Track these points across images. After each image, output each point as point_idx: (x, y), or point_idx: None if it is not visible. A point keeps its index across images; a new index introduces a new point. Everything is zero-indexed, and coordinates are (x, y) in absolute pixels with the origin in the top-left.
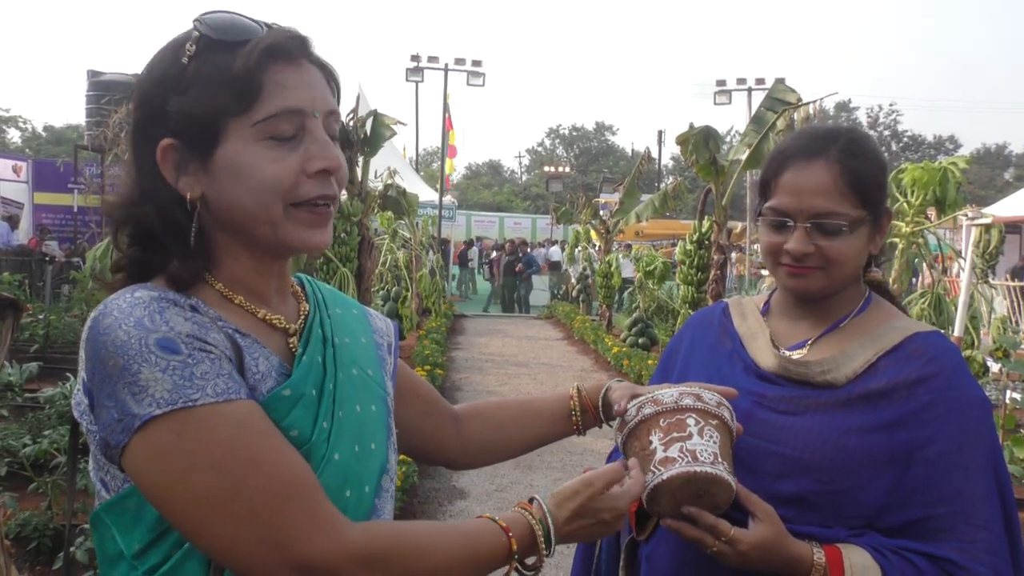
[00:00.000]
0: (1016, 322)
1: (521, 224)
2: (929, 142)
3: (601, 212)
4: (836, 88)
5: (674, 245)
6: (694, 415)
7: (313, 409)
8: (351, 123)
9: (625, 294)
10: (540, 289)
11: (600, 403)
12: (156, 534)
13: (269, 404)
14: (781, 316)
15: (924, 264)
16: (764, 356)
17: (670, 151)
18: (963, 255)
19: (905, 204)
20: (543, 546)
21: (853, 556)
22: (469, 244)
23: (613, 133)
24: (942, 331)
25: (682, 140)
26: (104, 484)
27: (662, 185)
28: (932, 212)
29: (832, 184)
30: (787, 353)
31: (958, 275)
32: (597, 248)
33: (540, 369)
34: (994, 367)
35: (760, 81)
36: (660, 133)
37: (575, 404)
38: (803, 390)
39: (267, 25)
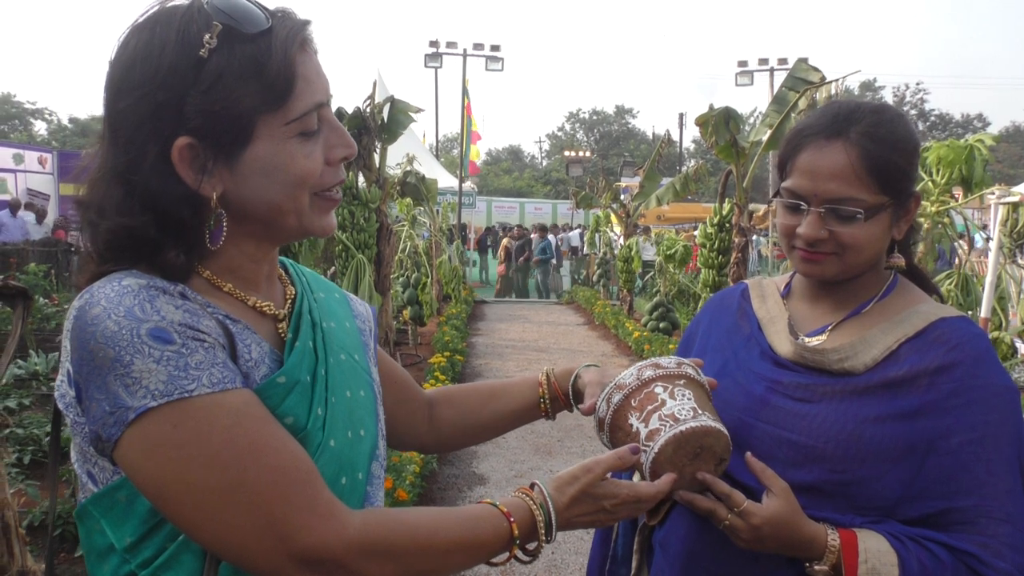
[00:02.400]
0: None
1: (542, 210)
2: (957, 121)
3: (622, 196)
4: (862, 67)
5: (696, 228)
6: (659, 383)
7: (307, 396)
8: (368, 110)
9: (647, 278)
10: (561, 274)
11: (569, 389)
12: (149, 527)
13: (264, 392)
14: (802, 299)
15: (955, 245)
16: (781, 342)
17: (691, 134)
18: (991, 235)
19: (930, 183)
20: (543, 532)
21: (868, 541)
22: (489, 230)
23: (634, 116)
24: (968, 316)
25: (702, 122)
26: (91, 476)
27: (683, 168)
28: (958, 192)
29: (849, 168)
30: (806, 339)
31: (985, 255)
32: (618, 233)
33: (560, 354)
34: (1022, 348)
35: (783, 61)
36: (681, 116)
37: (544, 391)
38: (820, 377)
39: (266, 9)
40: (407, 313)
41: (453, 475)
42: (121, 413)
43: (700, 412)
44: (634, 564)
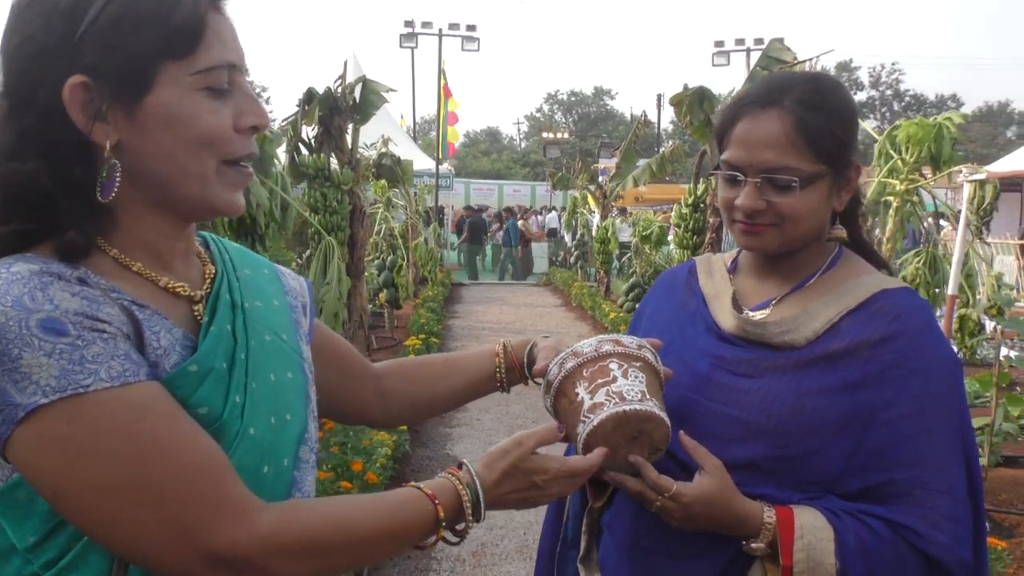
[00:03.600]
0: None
1: (520, 191)
2: (931, 101)
3: (600, 178)
4: (839, 47)
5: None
6: (616, 359)
7: (224, 383)
8: (339, 90)
9: (623, 259)
10: (538, 256)
11: (525, 360)
12: (51, 526)
13: (174, 381)
14: (748, 274)
15: (924, 224)
16: (724, 316)
17: (669, 115)
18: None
19: (899, 162)
20: (469, 512)
21: (804, 517)
22: (509, 213)
23: (612, 98)
24: (911, 287)
25: (676, 102)
26: None
27: (661, 149)
28: (928, 171)
29: (784, 136)
30: (749, 313)
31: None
32: (595, 214)
33: (537, 336)
34: (989, 325)
35: (759, 41)
36: (659, 97)
37: (500, 361)
38: (761, 352)
39: None
40: (383, 296)
41: (427, 457)
42: (10, 411)
43: (648, 397)
44: (582, 546)
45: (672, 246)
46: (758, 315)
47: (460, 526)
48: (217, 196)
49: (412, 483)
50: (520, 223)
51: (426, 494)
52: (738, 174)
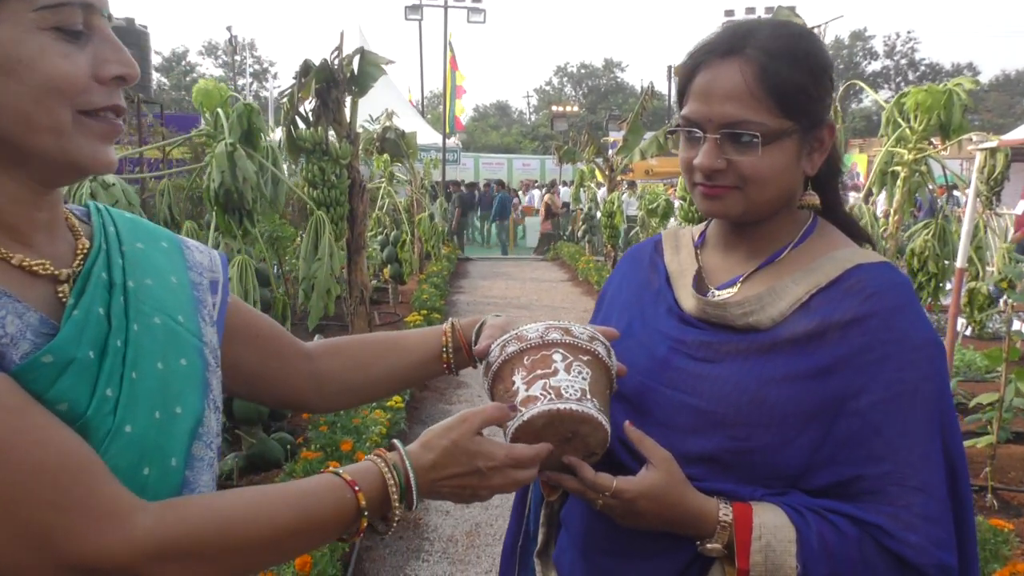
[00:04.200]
0: None
1: (530, 166)
2: (947, 70)
3: (610, 151)
4: (853, 16)
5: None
6: (561, 350)
7: (91, 374)
8: (336, 62)
9: (631, 233)
10: (534, 230)
11: (473, 340)
12: None
13: (25, 374)
14: (715, 248)
15: (931, 195)
16: (686, 296)
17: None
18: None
19: (908, 130)
20: (396, 499)
21: (764, 515)
22: (500, 185)
23: (622, 70)
24: (891, 262)
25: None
26: None
27: (670, 121)
28: (938, 141)
29: (744, 87)
30: (716, 292)
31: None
32: (602, 187)
33: (542, 311)
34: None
35: (770, 10)
36: (669, 68)
37: (447, 341)
38: (723, 335)
39: None
40: (387, 271)
41: None
42: None
43: (588, 397)
44: (540, 539)
45: (679, 218)
46: (724, 294)
47: (394, 510)
48: (78, 150)
49: (331, 468)
50: (547, 197)
51: (344, 480)
52: (697, 131)
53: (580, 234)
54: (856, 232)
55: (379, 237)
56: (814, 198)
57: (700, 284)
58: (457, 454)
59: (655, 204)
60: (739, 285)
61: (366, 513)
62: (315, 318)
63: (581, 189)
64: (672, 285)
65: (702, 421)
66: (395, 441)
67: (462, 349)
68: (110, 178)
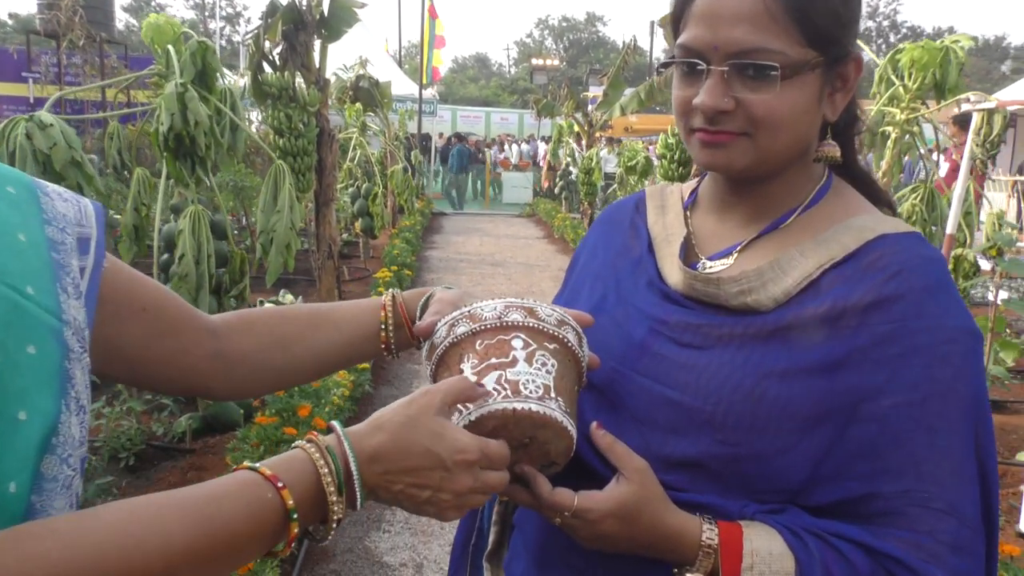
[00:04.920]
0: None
1: (508, 119)
2: (928, 34)
3: (590, 107)
4: None
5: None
6: (523, 335)
7: None
8: (304, 2)
9: (609, 191)
10: (522, 187)
11: (418, 315)
12: None
13: None
14: (709, 210)
15: (920, 158)
16: (672, 268)
17: (662, 44)
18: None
19: (901, 88)
20: (333, 493)
21: (758, 540)
22: (458, 138)
23: (604, 24)
24: (920, 232)
25: (665, 23)
26: None
27: (651, 78)
28: (931, 103)
29: (761, 6)
30: (707, 263)
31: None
32: (581, 143)
33: (517, 269)
34: (986, 266)
35: None
36: (652, 24)
37: (387, 316)
38: (715, 316)
39: None
40: (358, 225)
41: (391, 396)
42: None
43: (552, 396)
44: (491, 539)
45: (658, 177)
46: (717, 266)
47: (332, 506)
48: None
49: (246, 463)
50: (547, 157)
51: (264, 476)
52: (698, 62)
53: (557, 191)
54: (876, 194)
55: (350, 190)
56: (834, 149)
57: (689, 253)
58: (416, 436)
59: (634, 161)
60: (735, 255)
61: (295, 516)
62: (273, 274)
63: (559, 144)
64: (655, 253)
65: (685, 419)
66: (333, 423)
67: (404, 326)
68: (47, 117)
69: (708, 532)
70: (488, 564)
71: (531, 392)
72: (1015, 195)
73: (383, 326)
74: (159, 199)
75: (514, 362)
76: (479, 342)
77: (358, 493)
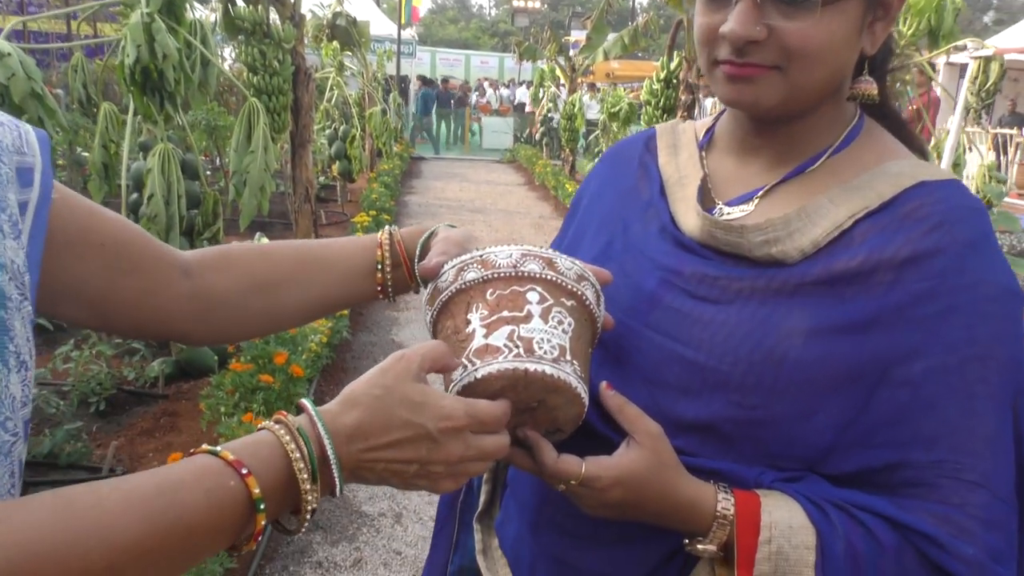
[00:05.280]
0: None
1: (488, 63)
2: None
3: (571, 52)
4: None
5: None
6: (539, 288)
7: None
8: None
9: (590, 137)
10: (502, 132)
11: (417, 255)
12: None
13: None
14: (727, 150)
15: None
16: (687, 213)
17: None
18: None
19: (895, 34)
20: (305, 480)
21: (777, 511)
22: (424, 82)
23: None
24: (960, 180)
25: None
26: None
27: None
28: (925, 51)
29: None
30: (724, 209)
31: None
32: (563, 88)
33: (497, 215)
34: None
35: None
36: None
37: (384, 254)
38: (735, 268)
39: None
40: (335, 168)
41: (369, 343)
42: None
43: (566, 359)
44: (482, 498)
45: (642, 124)
46: (735, 212)
47: (305, 495)
48: None
49: (205, 447)
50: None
51: (226, 461)
52: None
53: (538, 136)
54: (909, 137)
55: (327, 131)
56: (871, 86)
57: (704, 198)
58: (394, 408)
59: (617, 108)
60: (756, 201)
61: (262, 507)
62: (247, 216)
63: (540, 89)
64: (668, 197)
65: (699, 379)
66: (303, 400)
67: (402, 266)
68: (4, 46)
69: (724, 502)
70: (479, 525)
71: (545, 352)
72: (996, 148)
73: (379, 265)
74: (127, 136)
75: (528, 317)
76: (491, 291)
77: (336, 478)
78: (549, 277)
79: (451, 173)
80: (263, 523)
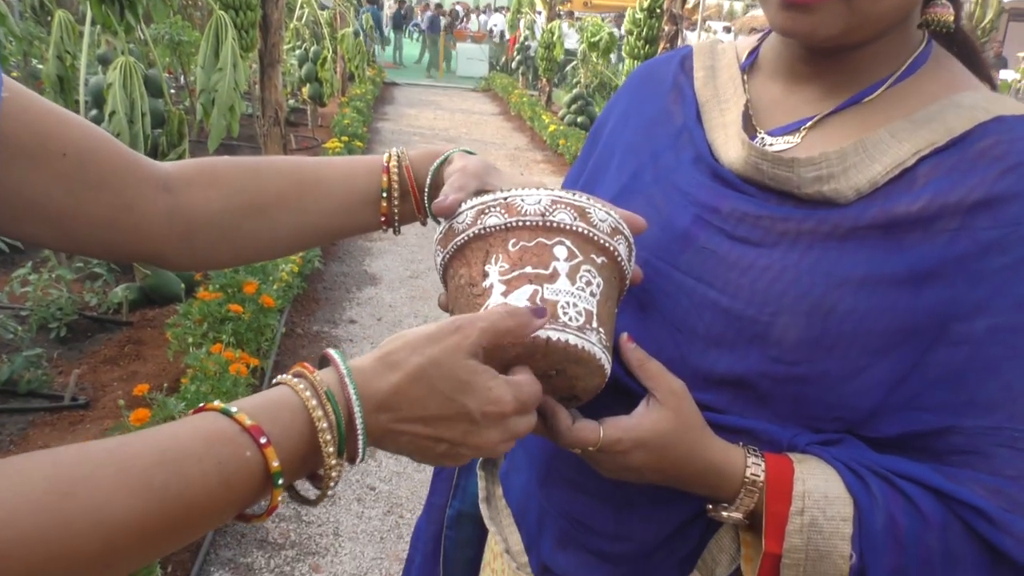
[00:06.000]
0: None
1: None
2: None
3: None
4: None
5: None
6: (568, 243)
7: None
8: None
9: (568, 67)
10: (477, 59)
11: (427, 184)
12: None
13: None
14: (774, 75)
15: None
16: (728, 141)
17: None
18: None
19: None
20: (331, 453)
21: (811, 478)
22: (403, 3)
23: None
24: None
25: None
26: None
27: None
28: None
29: None
30: (767, 139)
31: None
32: (540, 15)
33: (471, 146)
34: None
35: None
36: None
37: (391, 181)
38: (781, 206)
39: None
40: (306, 91)
41: (341, 273)
42: None
43: (592, 326)
44: None
45: (624, 55)
46: (779, 143)
47: (334, 470)
48: None
49: (216, 403)
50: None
51: (242, 426)
52: None
53: (514, 65)
54: (979, 67)
55: (297, 52)
56: (947, 12)
57: (746, 125)
58: (439, 382)
59: (598, 37)
60: (804, 132)
61: (280, 482)
62: (216, 137)
63: (518, 16)
64: (704, 123)
65: (733, 329)
66: (331, 352)
67: (411, 194)
68: None
69: (753, 467)
70: (483, 472)
71: (571, 319)
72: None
73: (384, 193)
74: (83, 48)
75: (554, 276)
76: (513, 241)
77: (360, 448)
78: (580, 230)
79: (425, 100)
80: (279, 499)
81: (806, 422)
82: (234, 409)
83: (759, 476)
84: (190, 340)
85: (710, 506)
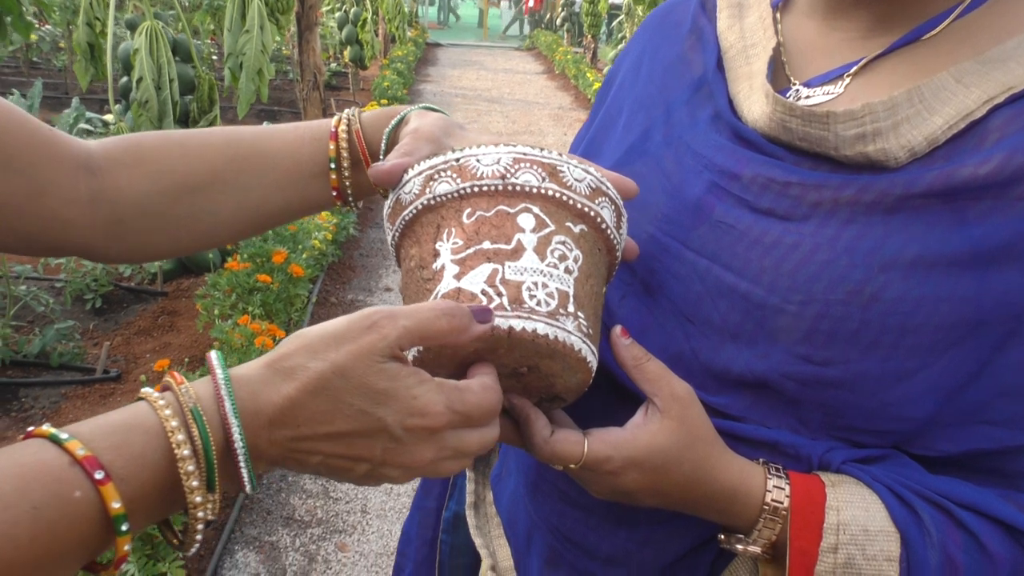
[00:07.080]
0: None
1: None
2: None
3: None
4: None
5: None
6: (535, 209)
7: None
8: None
9: (614, 23)
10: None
11: (383, 149)
12: None
13: None
14: (810, 11)
15: None
16: (752, 94)
17: None
18: None
19: None
20: (195, 488)
21: (848, 507)
22: None
23: None
24: None
25: None
26: None
27: None
28: None
29: None
30: (802, 91)
31: None
32: None
33: (514, 106)
34: None
35: None
36: None
37: (341, 147)
38: (814, 172)
39: None
40: (346, 54)
41: (379, 239)
42: None
43: (567, 311)
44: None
45: None
46: (817, 95)
47: (194, 509)
48: None
49: (48, 428)
50: None
51: (73, 457)
52: None
53: (559, 22)
54: None
55: (336, 14)
56: None
57: (778, 75)
58: (345, 392)
59: None
60: (847, 79)
61: (125, 527)
62: (245, 103)
63: None
64: (726, 73)
65: (754, 320)
66: (210, 355)
67: (363, 163)
68: None
69: (775, 490)
70: (471, 473)
71: (540, 303)
72: None
73: (332, 163)
74: (110, 12)
75: (518, 251)
76: (468, 211)
77: (245, 476)
78: (551, 192)
79: (468, 61)
80: (126, 548)
81: (841, 434)
82: (65, 436)
83: (782, 502)
84: (217, 312)
85: (722, 536)
